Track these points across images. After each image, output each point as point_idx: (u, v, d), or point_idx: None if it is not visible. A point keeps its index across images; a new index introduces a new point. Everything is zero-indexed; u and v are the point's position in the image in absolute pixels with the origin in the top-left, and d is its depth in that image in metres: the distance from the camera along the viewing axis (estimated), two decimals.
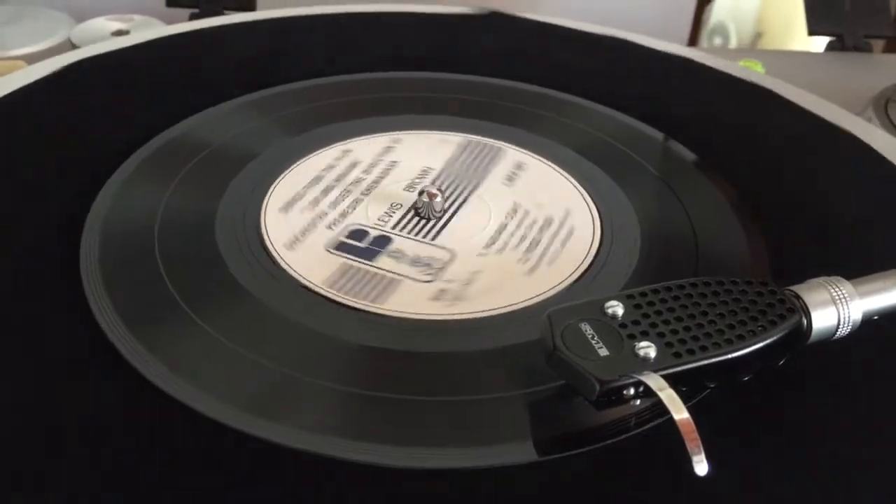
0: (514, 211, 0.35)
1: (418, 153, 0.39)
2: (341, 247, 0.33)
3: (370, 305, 0.30)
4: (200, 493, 0.24)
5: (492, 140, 0.40)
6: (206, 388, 0.26)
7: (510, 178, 0.38)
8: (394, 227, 0.34)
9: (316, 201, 0.35)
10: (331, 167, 0.38)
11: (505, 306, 0.31)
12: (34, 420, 0.25)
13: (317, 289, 0.31)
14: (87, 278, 0.30)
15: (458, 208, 0.35)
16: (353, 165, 0.38)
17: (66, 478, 0.24)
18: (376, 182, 0.37)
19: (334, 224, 0.34)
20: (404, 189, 0.36)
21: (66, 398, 0.26)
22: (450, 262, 0.32)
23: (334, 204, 0.35)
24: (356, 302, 0.30)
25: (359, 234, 0.34)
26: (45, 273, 0.31)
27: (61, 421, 0.25)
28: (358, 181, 0.37)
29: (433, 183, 0.36)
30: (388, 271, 0.32)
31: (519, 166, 0.39)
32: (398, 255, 0.33)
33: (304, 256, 0.32)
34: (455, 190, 0.37)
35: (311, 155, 0.38)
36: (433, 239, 0.34)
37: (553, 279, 0.32)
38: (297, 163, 0.38)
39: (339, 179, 0.37)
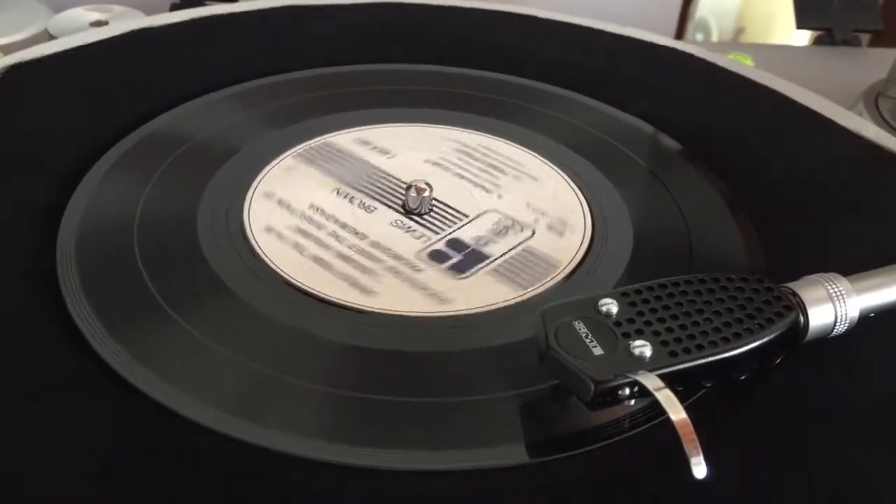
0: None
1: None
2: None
3: (289, 276, 0.30)
4: (182, 497, 0.23)
5: (481, 135, 0.40)
6: (185, 388, 0.26)
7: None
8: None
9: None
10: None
11: (497, 303, 0.30)
12: (7, 422, 0.25)
13: (301, 286, 0.30)
14: (64, 276, 0.29)
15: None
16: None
17: (43, 480, 0.23)
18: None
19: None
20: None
21: (40, 399, 0.25)
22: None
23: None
24: (273, 263, 0.30)
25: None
26: (20, 270, 0.30)
27: (36, 423, 0.25)
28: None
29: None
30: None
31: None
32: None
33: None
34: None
35: (296, 148, 0.37)
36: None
37: (543, 276, 0.31)
38: (281, 156, 0.37)
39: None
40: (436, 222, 0.34)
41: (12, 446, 0.24)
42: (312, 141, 0.38)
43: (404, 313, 0.29)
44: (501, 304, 0.30)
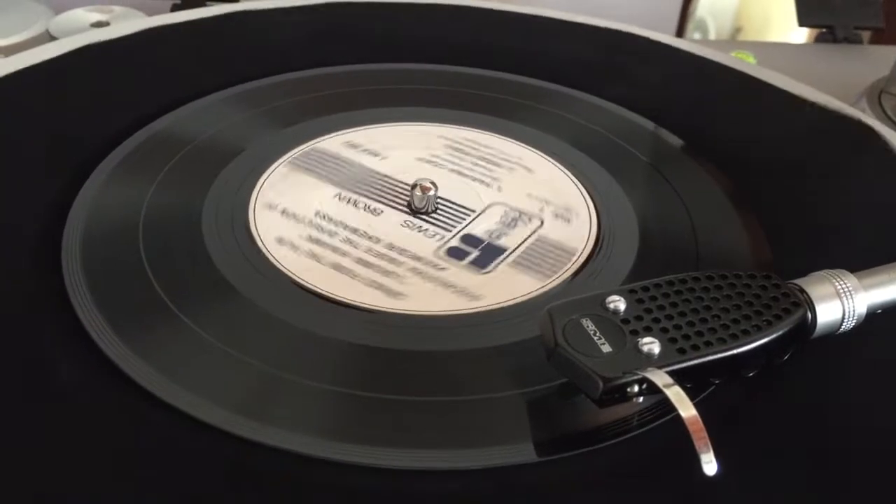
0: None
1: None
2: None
3: (295, 276, 0.30)
4: (190, 496, 0.23)
5: (483, 133, 0.40)
6: (192, 389, 0.26)
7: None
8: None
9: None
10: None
11: (501, 302, 0.30)
12: (16, 422, 0.24)
13: (307, 285, 0.30)
14: (70, 276, 0.29)
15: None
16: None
17: (50, 480, 0.23)
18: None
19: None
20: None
21: (46, 399, 0.25)
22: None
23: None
24: (279, 264, 0.30)
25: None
26: (26, 271, 0.30)
27: (44, 424, 0.25)
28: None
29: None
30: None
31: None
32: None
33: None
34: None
35: (287, 155, 0.37)
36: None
37: (562, 263, 0.32)
38: (274, 165, 0.36)
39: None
40: (444, 220, 0.34)
41: (19, 446, 0.24)
42: (302, 147, 0.37)
43: (440, 313, 0.29)
44: (531, 295, 0.30)
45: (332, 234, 0.33)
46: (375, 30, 0.49)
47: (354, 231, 0.33)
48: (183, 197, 0.34)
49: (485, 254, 0.32)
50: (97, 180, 0.34)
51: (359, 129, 0.39)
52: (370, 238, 0.32)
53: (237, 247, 0.31)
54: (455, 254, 0.32)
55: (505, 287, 0.30)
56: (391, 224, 0.33)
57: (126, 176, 0.35)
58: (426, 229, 0.33)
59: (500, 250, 0.32)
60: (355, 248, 0.32)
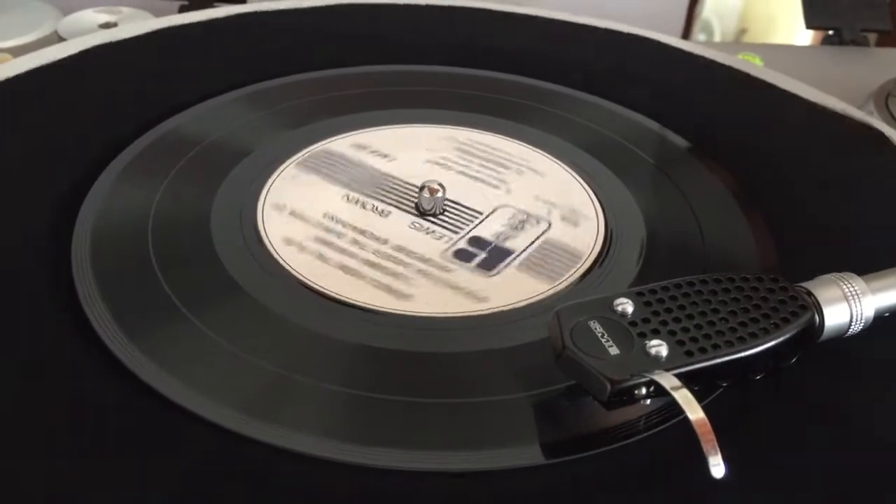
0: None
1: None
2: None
3: (304, 278, 0.30)
4: (199, 497, 0.23)
5: (491, 135, 0.40)
6: (199, 388, 0.26)
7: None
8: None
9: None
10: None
11: (508, 304, 0.30)
12: (27, 423, 0.25)
13: (314, 286, 0.30)
14: (79, 277, 0.29)
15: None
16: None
17: (60, 480, 0.23)
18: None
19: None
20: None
21: (57, 401, 0.25)
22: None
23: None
24: (287, 265, 0.31)
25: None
26: (35, 272, 0.30)
27: (55, 424, 0.25)
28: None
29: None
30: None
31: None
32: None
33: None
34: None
35: (296, 157, 0.37)
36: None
37: (569, 266, 0.32)
38: (282, 166, 0.36)
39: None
40: (452, 222, 0.34)
41: (26, 445, 0.24)
42: (310, 148, 0.38)
43: (447, 315, 0.29)
44: (539, 297, 0.30)
45: (339, 235, 0.33)
46: (384, 31, 0.49)
47: (362, 232, 0.33)
48: (192, 197, 0.34)
49: (492, 256, 0.32)
50: (106, 181, 0.34)
51: (367, 130, 0.39)
52: (377, 239, 0.33)
53: (245, 247, 0.32)
54: (462, 256, 0.32)
55: (512, 289, 0.31)
56: (399, 226, 0.33)
57: (135, 176, 0.35)
58: (434, 231, 0.33)
59: (507, 252, 0.32)
60: (363, 249, 0.32)
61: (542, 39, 0.49)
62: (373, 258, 0.32)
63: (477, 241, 0.33)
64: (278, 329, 0.28)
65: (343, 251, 0.32)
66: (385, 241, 0.32)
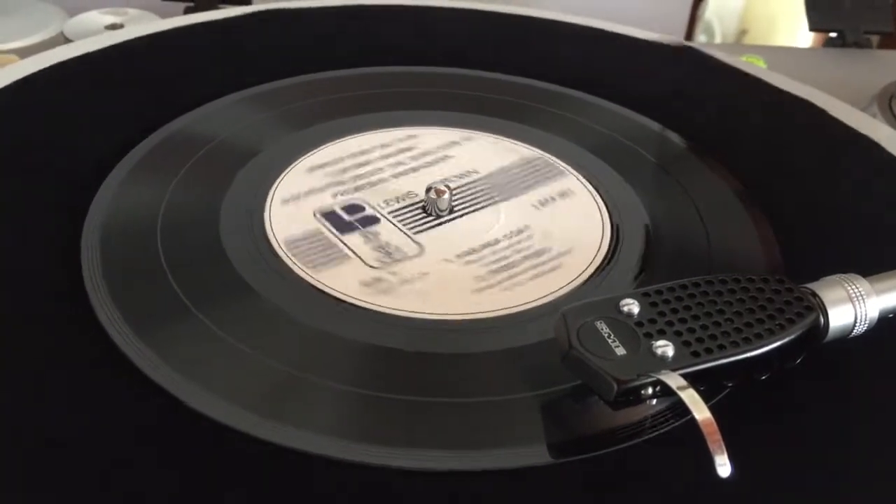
0: (519, 231, 0.34)
1: (418, 150, 0.38)
2: (328, 215, 0.34)
3: (312, 278, 0.30)
4: (205, 495, 0.23)
5: (496, 137, 0.40)
6: (209, 387, 0.26)
7: (543, 203, 0.36)
8: (391, 213, 0.34)
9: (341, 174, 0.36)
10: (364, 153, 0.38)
11: (515, 305, 0.30)
12: (38, 424, 0.25)
13: (324, 287, 0.30)
14: (89, 276, 0.30)
15: (469, 212, 0.35)
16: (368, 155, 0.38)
17: (70, 481, 0.23)
18: (374, 180, 0.36)
19: (342, 194, 0.35)
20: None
21: (66, 399, 0.26)
22: (412, 258, 0.32)
23: (355, 179, 0.36)
24: (296, 266, 0.31)
25: (353, 208, 0.34)
26: (46, 271, 0.30)
27: (66, 423, 0.25)
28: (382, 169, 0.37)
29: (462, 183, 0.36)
30: (348, 247, 0.32)
31: (527, 164, 0.38)
32: (370, 237, 0.32)
33: (315, 260, 0.31)
34: (477, 195, 0.36)
35: (306, 155, 0.37)
36: (417, 233, 0.33)
37: (571, 273, 0.32)
38: (293, 164, 0.37)
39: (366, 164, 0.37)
40: (457, 224, 0.34)
41: (34, 445, 0.24)
42: (317, 149, 0.38)
43: (454, 316, 0.29)
44: (545, 298, 0.30)
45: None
46: (390, 33, 0.49)
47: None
48: (201, 197, 0.34)
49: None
50: (115, 181, 0.35)
51: (375, 131, 0.39)
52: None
53: (254, 247, 0.32)
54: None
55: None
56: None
57: (144, 176, 0.35)
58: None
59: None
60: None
61: (544, 40, 0.49)
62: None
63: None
64: (286, 328, 0.28)
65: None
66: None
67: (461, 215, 0.34)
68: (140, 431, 0.25)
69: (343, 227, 0.33)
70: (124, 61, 0.44)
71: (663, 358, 0.25)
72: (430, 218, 0.34)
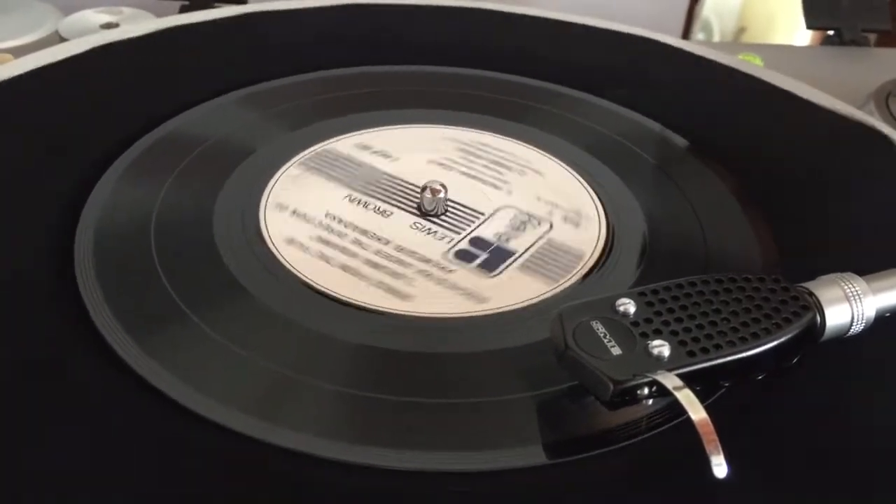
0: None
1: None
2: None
3: (307, 279, 0.30)
4: (201, 497, 0.23)
5: (494, 136, 0.40)
6: (202, 388, 0.26)
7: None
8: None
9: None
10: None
11: (509, 305, 0.30)
12: (27, 422, 0.25)
13: (316, 286, 0.30)
14: (81, 276, 0.29)
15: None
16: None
17: (62, 480, 0.23)
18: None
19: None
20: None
21: (59, 401, 0.25)
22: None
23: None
24: (291, 267, 0.31)
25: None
26: (38, 273, 0.30)
27: (56, 425, 0.25)
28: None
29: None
30: (345, 247, 0.32)
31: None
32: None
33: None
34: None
35: (298, 156, 0.37)
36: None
37: (570, 267, 0.32)
38: (285, 165, 0.36)
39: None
40: (454, 222, 0.34)
41: (29, 447, 0.24)
42: (313, 148, 0.38)
43: (448, 315, 0.29)
44: (540, 298, 0.30)
45: (341, 235, 0.33)
46: (387, 32, 0.49)
47: (364, 233, 0.33)
48: (194, 197, 0.34)
49: (493, 257, 0.32)
50: (109, 181, 0.34)
51: (370, 130, 0.39)
52: (379, 240, 0.33)
53: (248, 247, 0.32)
54: (464, 256, 0.32)
55: (513, 290, 0.31)
56: (400, 226, 0.33)
57: (138, 176, 0.35)
58: (435, 231, 0.33)
59: (508, 253, 0.32)
60: (364, 249, 0.32)
61: (543, 39, 0.49)
62: (374, 258, 0.32)
63: (478, 242, 0.33)
64: (280, 329, 0.28)
65: (345, 251, 0.32)
66: (387, 242, 0.32)
67: (456, 213, 0.34)
68: (131, 431, 0.25)
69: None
70: (119, 60, 0.44)
71: (659, 358, 0.25)
72: (426, 217, 0.34)
